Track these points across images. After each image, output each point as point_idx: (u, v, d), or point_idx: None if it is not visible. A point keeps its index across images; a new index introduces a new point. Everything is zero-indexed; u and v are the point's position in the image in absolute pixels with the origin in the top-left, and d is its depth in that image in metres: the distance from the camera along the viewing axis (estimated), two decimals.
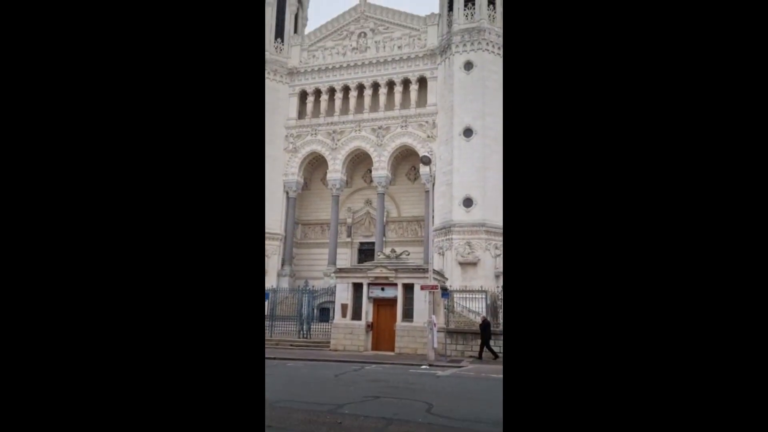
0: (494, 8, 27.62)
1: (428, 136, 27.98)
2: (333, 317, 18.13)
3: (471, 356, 15.63)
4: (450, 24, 27.73)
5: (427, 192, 26.69)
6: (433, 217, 24.14)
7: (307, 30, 33.59)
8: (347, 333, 16.88)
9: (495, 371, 11.88)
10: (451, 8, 28.10)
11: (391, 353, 15.82)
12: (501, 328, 16.13)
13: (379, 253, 21.01)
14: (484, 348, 15.22)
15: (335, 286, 18.22)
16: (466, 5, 27.58)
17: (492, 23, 27.29)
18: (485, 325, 15.49)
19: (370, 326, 16.81)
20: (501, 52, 27.31)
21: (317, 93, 30.77)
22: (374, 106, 29.54)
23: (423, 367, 12.98)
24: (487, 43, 26.77)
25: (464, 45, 26.86)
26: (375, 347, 16.68)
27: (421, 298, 15.89)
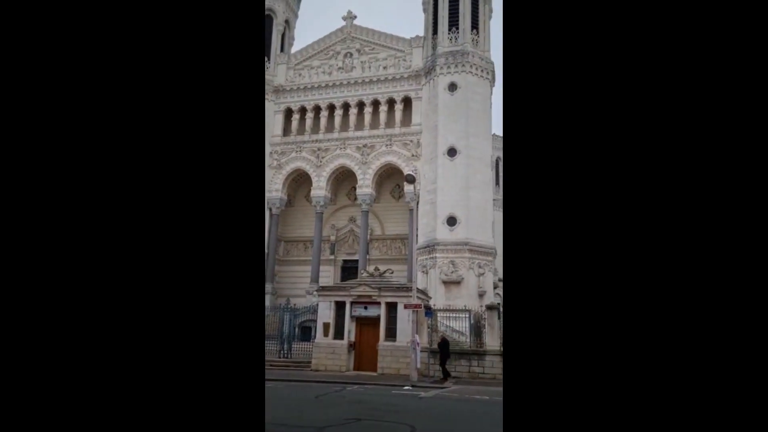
0: (477, 33, 28.33)
1: (412, 155, 28.22)
2: (315, 336, 17.83)
3: (455, 377, 15.48)
4: (434, 46, 28.31)
5: (411, 210, 26.77)
6: (417, 236, 24.17)
7: (294, 49, 33.88)
8: (329, 353, 16.59)
9: (478, 392, 11.76)
10: (435, 31, 28.72)
11: (374, 373, 15.57)
12: (485, 348, 16.05)
13: (362, 271, 20.87)
14: (444, 366, 15.04)
15: (317, 305, 17.98)
16: (450, 29, 28.24)
17: (475, 47, 27.94)
18: (443, 343, 15.36)
19: (352, 345, 16.56)
20: (484, 74, 27.92)
21: (303, 111, 30.89)
22: (359, 125, 29.74)
23: (406, 387, 12.79)
24: (471, 66, 27.34)
25: (448, 67, 27.38)
26: (357, 367, 16.41)
27: (404, 317, 15.76)
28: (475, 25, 28.43)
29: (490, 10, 30.49)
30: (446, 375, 14.72)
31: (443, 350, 15.11)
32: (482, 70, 27.85)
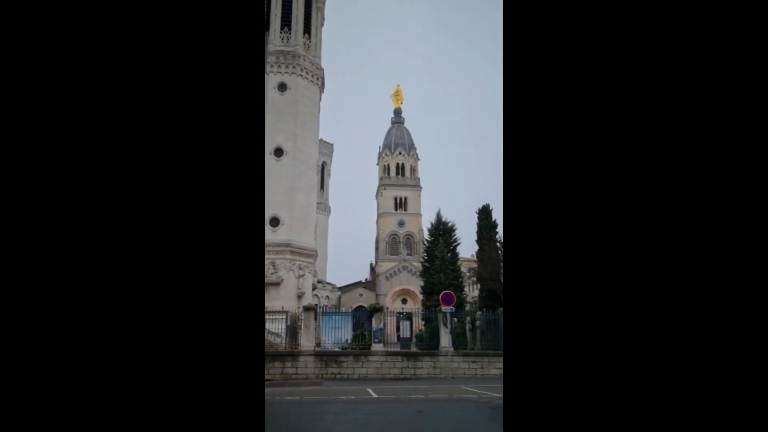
0: (309, 38, 28.74)
1: None
2: None
3: (268, 379, 15.28)
4: (266, 44, 27.69)
5: None
6: None
7: None
8: None
9: (290, 393, 11.87)
10: (267, 28, 28.12)
11: None
12: (299, 349, 16.28)
13: None
14: None
15: None
16: (282, 28, 28.02)
17: (307, 51, 28.29)
18: None
19: None
20: (314, 79, 28.43)
21: None
22: None
23: None
24: (302, 69, 27.58)
25: (279, 66, 27.12)
26: None
27: None
28: (307, 30, 28.78)
29: (323, 18, 31.26)
30: None
31: None
32: (313, 75, 28.34)
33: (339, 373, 14.56)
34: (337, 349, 15.80)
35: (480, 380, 13.30)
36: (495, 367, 15.20)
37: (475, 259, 27.98)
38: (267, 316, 17.99)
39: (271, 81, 26.79)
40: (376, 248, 50.98)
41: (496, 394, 10.09)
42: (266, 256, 24.09)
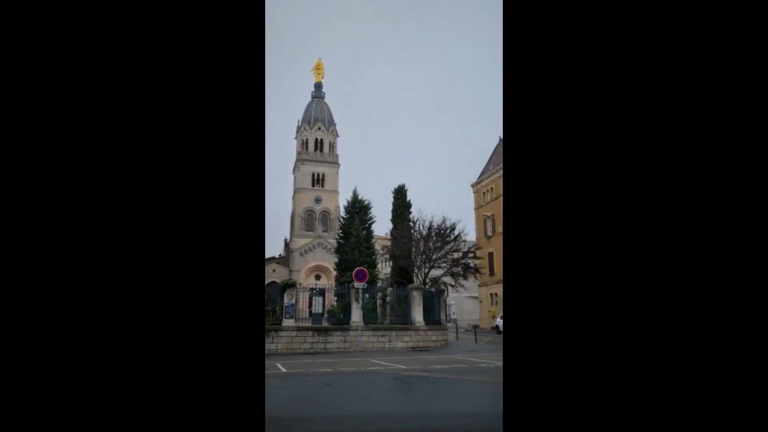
0: None
1: None
2: None
3: None
4: None
5: None
6: None
7: None
8: None
9: None
10: None
11: None
12: None
13: None
14: None
15: None
16: None
17: None
18: None
19: None
20: None
21: None
22: None
23: None
24: None
25: None
26: None
27: None
28: None
29: None
30: None
31: None
32: None
33: None
34: None
35: (387, 353, 13.89)
36: (402, 341, 15.94)
37: (389, 237, 28.74)
38: None
39: None
40: (292, 224, 50.18)
41: (401, 366, 10.63)
42: None
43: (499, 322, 29.46)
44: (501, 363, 12.83)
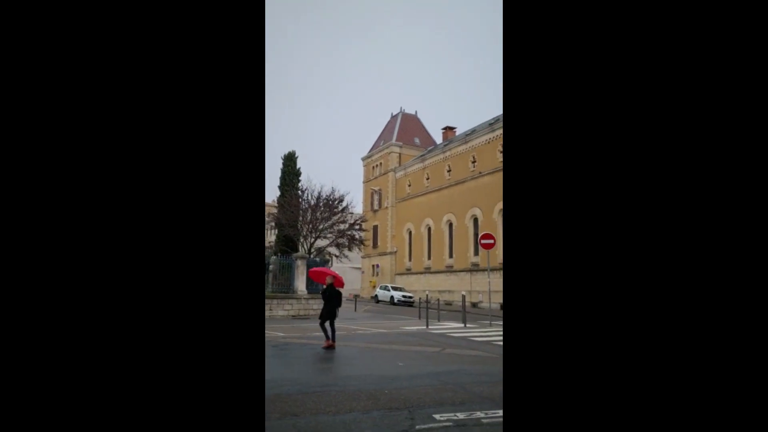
0: None
1: None
2: None
3: None
4: None
5: None
6: None
7: None
8: None
9: None
10: None
11: None
12: None
13: None
14: None
15: None
16: None
17: None
18: None
19: None
20: None
21: None
22: None
23: None
24: None
25: None
26: None
27: None
28: None
29: None
30: None
31: None
32: None
33: None
34: None
35: (269, 321, 13.84)
36: (283, 309, 15.97)
37: (275, 204, 28.06)
38: None
39: None
40: None
41: (280, 333, 10.72)
42: None
43: (378, 292, 31.03)
44: (376, 330, 13.62)
